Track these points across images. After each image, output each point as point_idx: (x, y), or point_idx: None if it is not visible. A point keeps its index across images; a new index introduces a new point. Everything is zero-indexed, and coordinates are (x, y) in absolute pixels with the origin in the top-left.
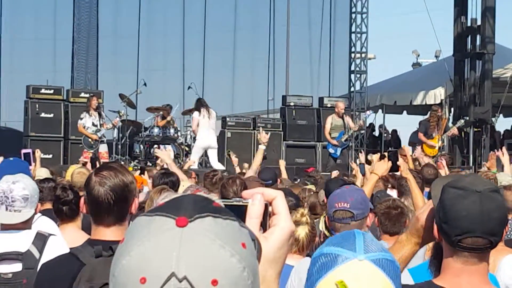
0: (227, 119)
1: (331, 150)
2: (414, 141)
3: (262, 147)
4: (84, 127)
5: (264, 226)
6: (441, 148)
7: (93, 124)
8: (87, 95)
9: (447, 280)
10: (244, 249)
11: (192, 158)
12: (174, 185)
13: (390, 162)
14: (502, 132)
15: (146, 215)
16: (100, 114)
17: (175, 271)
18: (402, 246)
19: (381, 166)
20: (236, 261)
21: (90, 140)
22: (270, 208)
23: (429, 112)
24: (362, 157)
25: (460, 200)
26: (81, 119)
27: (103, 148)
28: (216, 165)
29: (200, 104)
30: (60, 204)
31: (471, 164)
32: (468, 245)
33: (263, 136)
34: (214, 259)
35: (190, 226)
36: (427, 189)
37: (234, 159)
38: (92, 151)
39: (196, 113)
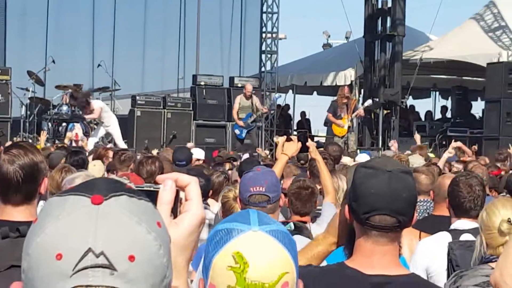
0: (137, 97)
1: (237, 131)
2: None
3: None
4: None
5: (175, 212)
6: (350, 128)
7: None
8: None
9: (359, 261)
10: (160, 228)
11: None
12: (81, 164)
13: (300, 143)
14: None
15: (59, 195)
16: None
17: (92, 247)
18: (317, 244)
19: (291, 147)
20: (152, 238)
21: None
22: (181, 194)
23: (338, 93)
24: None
25: (369, 179)
26: None
27: None
28: (121, 144)
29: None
30: None
31: (380, 146)
32: (376, 223)
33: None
34: (131, 235)
35: (105, 204)
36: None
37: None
38: None
39: (98, 102)
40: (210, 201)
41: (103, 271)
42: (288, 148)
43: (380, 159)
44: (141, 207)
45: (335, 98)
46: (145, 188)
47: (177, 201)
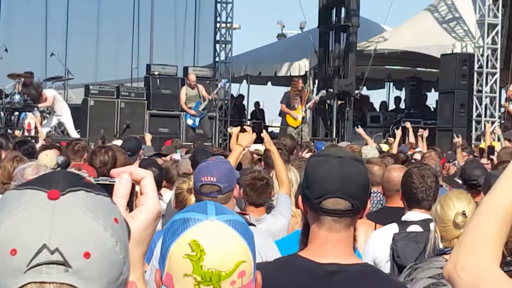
0: (90, 87)
1: (190, 121)
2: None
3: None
4: None
5: (130, 205)
6: (304, 119)
7: None
8: None
9: (312, 251)
10: (117, 224)
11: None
12: (31, 153)
13: (254, 133)
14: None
15: (16, 189)
16: None
17: (46, 243)
18: None
19: (246, 138)
20: (109, 234)
21: None
22: (137, 188)
23: (291, 84)
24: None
25: (320, 164)
26: None
27: None
28: (74, 134)
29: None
30: None
31: (334, 136)
32: (329, 208)
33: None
34: (87, 232)
35: (62, 199)
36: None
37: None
38: None
39: (51, 90)
40: (163, 190)
41: (58, 268)
42: (242, 139)
43: (332, 148)
44: (98, 203)
45: (289, 88)
46: (100, 182)
47: (132, 194)
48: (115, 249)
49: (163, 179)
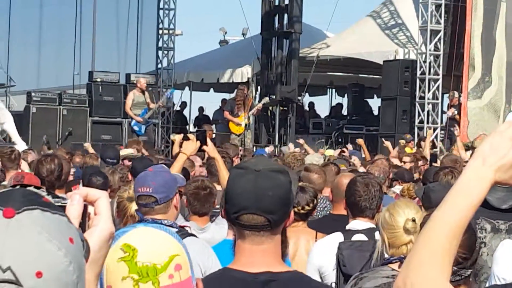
0: (33, 94)
1: (136, 128)
2: (218, 119)
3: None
4: None
5: (83, 227)
6: (247, 125)
7: None
8: None
9: (242, 263)
10: (72, 244)
11: None
12: None
13: (198, 142)
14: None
15: None
16: None
17: None
18: None
19: (190, 146)
20: (63, 254)
21: None
22: (90, 209)
23: (235, 91)
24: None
25: (238, 179)
26: None
27: None
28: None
29: None
30: None
31: (276, 143)
32: (245, 223)
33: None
34: (40, 251)
35: (17, 218)
36: None
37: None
38: None
39: None
40: None
41: (9, 287)
42: (186, 147)
43: (254, 159)
44: (54, 222)
45: (231, 95)
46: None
47: (85, 216)
48: (68, 269)
49: (108, 187)
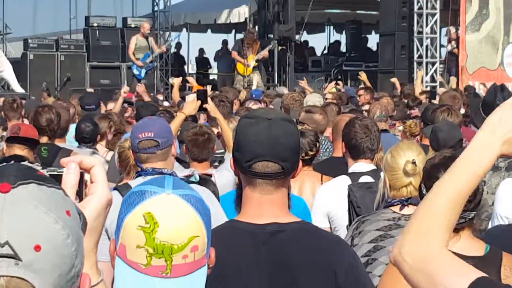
0: (29, 41)
1: (136, 71)
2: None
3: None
4: None
5: (80, 195)
6: (255, 67)
7: None
8: None
9: (249, 214)
10: (69, 217)
11: None
12: None
13: (199, 101)
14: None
15: None
16: None
17: None
18: None
19: (190, 106)
20: (60, 227)
21: None
22: (86, 176)
23: (245, 32)
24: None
25: (250, 127)
26: None
27: None
28: (18, 88)
29: None
30: None
31: (276, 82)
32: (259, 171)
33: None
34: (37, 225)
35: (12, 192)
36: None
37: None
38: None
39: None
40: (98, 146)
41: (8, 261)
42: (186, 106)
43: (262, 109)
44: (50, 196)
45: (229, 36)
46: (48, 172)
47: (82, 183)
48: (67, 242)
49: (97, 133)
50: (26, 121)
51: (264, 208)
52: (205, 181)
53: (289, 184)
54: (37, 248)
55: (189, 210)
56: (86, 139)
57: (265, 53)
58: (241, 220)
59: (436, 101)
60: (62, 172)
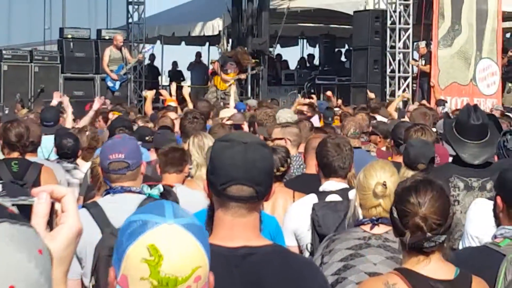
0: (3, 51)
1: (110, 84)
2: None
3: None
4: None
5: (50, 224)
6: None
7: None
8: None
9: (220, 236)
10: (41, 255)
11: None
12: None
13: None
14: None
15: None
16: None
17: None
18: None
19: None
20: (33, 266)
21: None
22: (57, 206)
23: (236, 50)
24: None
25: (225, 150)
26: None
27: None
28: None
29: None
30: None
31: (249, 95)
32: (233, 194)
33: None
34: (12, 264)
35: None
36: None
37: None
38: None
39: None
40: (79, 161)
41: None
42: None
43: (237, 133)
44: (22, 234)
45: (203, 48)
46: (19, 202)
47: (52, 213)
48: (40, 280)
49: (78, 149)
50: None
51: (236, 231)
52: (167, 192)
53: (262, 206)
54: None
55: (191, 241)
56: (68, 155)
57: (244, 76)
58: (212, 242)
59: (406, 119)
60: (33, 201)
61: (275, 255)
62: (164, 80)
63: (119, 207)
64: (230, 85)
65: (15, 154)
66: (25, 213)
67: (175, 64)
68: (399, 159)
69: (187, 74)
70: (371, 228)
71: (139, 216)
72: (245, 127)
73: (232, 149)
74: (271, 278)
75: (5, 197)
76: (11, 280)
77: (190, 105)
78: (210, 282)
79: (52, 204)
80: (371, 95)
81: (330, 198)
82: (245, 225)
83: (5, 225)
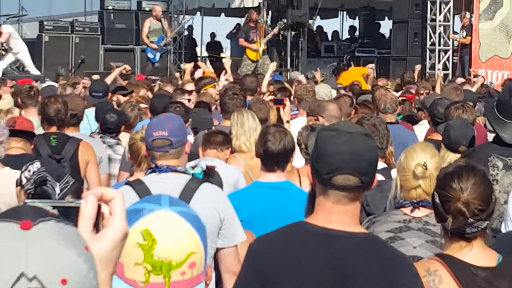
0: (45, 23)
1: (150, 55)
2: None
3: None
4: None
5: (97, 227)
6: (264, 51)
7: None
8: None
9: (319, 218)
10: (87, 252)
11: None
12: None
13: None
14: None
15: None
16: None
17: (24, 271)
18: None
19: None
20: (83, 261)
21: None
22: (104, 208)
23: (245, 17)
24: None
25: (332, 140)
26: None
27: None
28: (33, 70)
29: None
30: None
31: (288, 67)
32: (339, 183)
33: None
34: (62, 259)
35: (35, 229)
36: None
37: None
38: None
39: (7, 26)
40: (122, 135)
41: None
42: None
43: (342, 123)
44: (68, 232)
45: (242, 19)
46: (66, 204)
47: (99, 215)
48: (89, 275)
49: (121, 124)
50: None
51: (334, 216)
52: (209, 174)
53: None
54: (64, 281)
55: (186, 227)
56: (110, 130)
57: (274, 32)
58: (310, 221)
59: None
60: (79, 204)
61: (369, 242)
62: (202, 51)
63: (164, 186)
64: (262, 53)
65: (53, 129)
66: (71, 215)
67: (213, 35)
68: (437, 136)
69: (225, 44)
70: (412, 211)
71: (136, 205)
72: (287, 102)
73: (338, 139)
74: (361, 263)
75: (48, 182)
76: (63, 274)
77: (231, 78)
78: (208, 275)
79: (99, 206)
80: (418, 67)
81: None
82: (344, 211)
83: (52, 223)
